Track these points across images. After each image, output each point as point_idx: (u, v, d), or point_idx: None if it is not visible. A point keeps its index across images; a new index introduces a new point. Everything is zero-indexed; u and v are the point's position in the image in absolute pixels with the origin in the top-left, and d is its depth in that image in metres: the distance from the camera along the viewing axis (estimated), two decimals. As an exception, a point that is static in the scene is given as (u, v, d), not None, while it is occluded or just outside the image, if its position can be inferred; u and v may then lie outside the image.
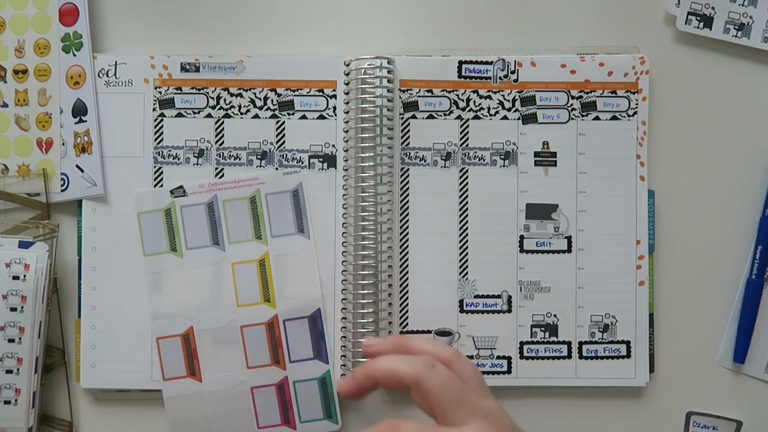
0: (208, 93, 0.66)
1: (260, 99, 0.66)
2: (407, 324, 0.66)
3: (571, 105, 0.66)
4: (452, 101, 0.66)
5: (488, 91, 0.66)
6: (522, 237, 0.66)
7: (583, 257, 0.66)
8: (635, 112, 0.66)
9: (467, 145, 0.66)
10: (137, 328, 0.66)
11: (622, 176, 0.66)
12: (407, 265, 0.66)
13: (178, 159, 0.66)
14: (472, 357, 0.66)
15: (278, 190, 0.66)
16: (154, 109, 0.66)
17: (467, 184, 0.66)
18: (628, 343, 0.66)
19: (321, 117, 0.66)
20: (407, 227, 0.66)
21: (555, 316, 0.66)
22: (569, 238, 0.66)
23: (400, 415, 0.66)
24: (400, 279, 0.66)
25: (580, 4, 0.68)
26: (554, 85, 0.66)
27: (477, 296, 0.66)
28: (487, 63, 0.66)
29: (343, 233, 0.66)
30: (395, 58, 0.66)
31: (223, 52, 0.67)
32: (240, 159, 0.66)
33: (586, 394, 0.68)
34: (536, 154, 0.66)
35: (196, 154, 0.66)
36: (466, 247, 0.66)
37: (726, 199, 0.68)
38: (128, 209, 0.66)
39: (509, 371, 0.66)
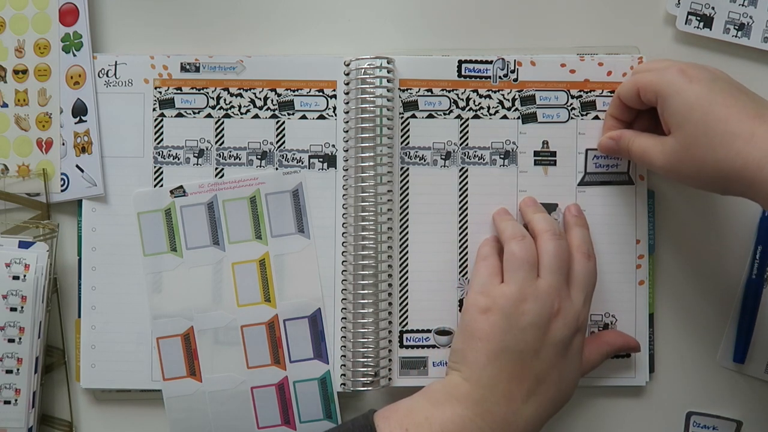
0: (208, 93, 0.66)
1: (260, 99, 0.66)
2: (407, 324, 0.66)
3: (571, 104, 0.66)
4: (452, 100, 0.66)
5: (488, 91, 0.66)
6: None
7: (583, 257, 0.66)
8: (635, 112, 0.66)
9: (467, 145, 0.66)
10: (137, 328, 0.66)
11: (622, 176, 0.66)
12: (407, 265, 0.66)
13: (178, 159, 0.66)
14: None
15: (278, 190, 0.66)
16: (154, 109, 0.66)
17: (467, 183, 0.66)
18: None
19: (321, 117, 0.66)
20: (407, 227, 0.66)
21: (555, 315, 0.66)
22: (569, 238, 0.66)
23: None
24: (400, 279, 0.66)
25: (580, 4, 0.68)
26: (554, 84, 0.66)
27: (477, 296, 0.66)
28: (486, 62, 0.66)
29: (343, 233, 0.66)
30: (395, 58, 0.66)
31: (223, 52, 0.67)
32: (240, 159, 0.66)
33: (586, 394, 0.68)
34: (536, 153, 0.66)
35: (196, 154, 0.66)
36: (466, 247, 0.66)
37: (726, 199, 0.67)
38: (128, 209, 0.66)
39: (509, 371, 0.66)
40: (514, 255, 0.59)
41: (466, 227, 0.66)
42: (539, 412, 0.58)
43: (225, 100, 0.66)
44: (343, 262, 0.66)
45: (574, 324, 0.59)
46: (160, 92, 0.66)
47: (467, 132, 0.66)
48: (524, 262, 0.59)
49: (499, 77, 0.66)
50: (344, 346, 0.66)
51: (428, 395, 0.59)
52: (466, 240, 0.66)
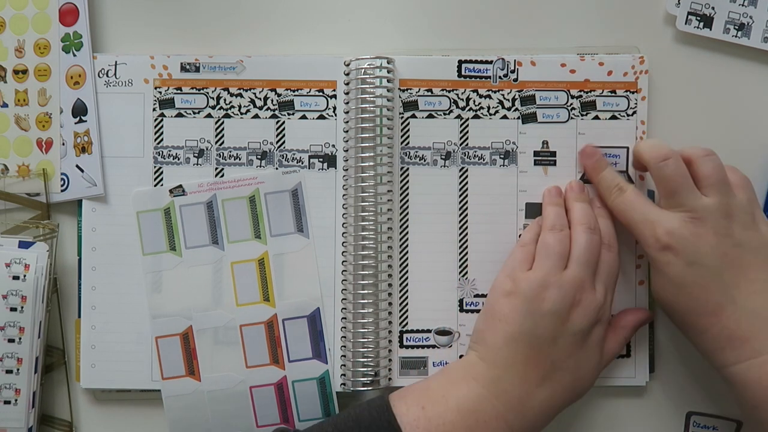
0: (208, 93, 0.66)
1: (260, 99, 0.66)
2: (407, 324, 0.66)
3: (571, 104, 0.66)
4: (452, 100, 0.66)
5: (488, 91, 0.66)
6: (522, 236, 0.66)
7: (583, 257, 0.66)
8: (634, 112, 0.66)
9: (467, 145, 0.66)
10: (137, 328, 0.66)
11: (621, 175, 0.66)
12: (407, 265, 0.66)
13: (178, 159, 0.66)
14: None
15: (277, 190, 0.66)
16: (154, 109, 0.67)
17: (467, 183, 0.66)
18: (628, 342, 0.66)
19: (321, 117, 0.66)
20: (407, 227, 0.66)
21: (555, 315, 0.66)
22: (569, 238, 0.66)
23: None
24: (400, 279, 0.66)
25: (580, 4, 0.68)
26: (554, 84, 0.66)
27: (477, 296, 0.66)
28: (486, 62, 0.66)
29: (343, 233, 0.66)
30: (395, 58, 0.66)
31: (223, 52, 0.67)
32: (240, 159, 0.66)
33: (586, 394, 0.67)
34: (536, 153, 0.66)
35: (196, 154, 0.66)
36: (466, 247, 0.66)
37: (726, 199, 0.67)
38: (128, 209, 0.66)
39: (509, 371, 0.66)
40: (547, 245, 0.61)
41: (466, 227, 0.66)
42: (554, 398, 0.59)
43: (225, 100, 0.66)
44: (343, 262, 0.66)
45: (594, 315, 0.60)
46: (160, 92, 0.66)
47: (467, 132, 0.66)
48: (554, 253, 0.60)
49: (499, 77, 0.66)
50: (344, 346, 0.66)
51: (445, 374, 0.61)
52: (466, 240, 0.66)
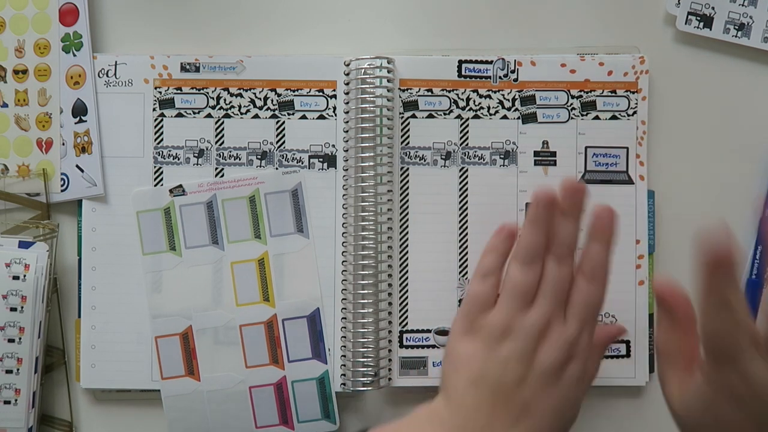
0: (208, 93, 0.66)
1: (260, 99, 0.66)
2: (407, 324, 0.66)
3: (571, 104, 0.66)
4: (452, 100, 0.66)
5: (488, 91, 0.66)
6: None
7: (583, 257, 0.66)
8: (635, 112, 0.66)
9: (467, 145, 0.66)
10: (137, 328, 0.66)
11: (621, 175, 0.66)
12: (407, 265, 0.66)
13: (178, 159, 0.66)
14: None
15: (277, 190, 0.66)
16: (154, 109, 0.67)
17: (467, 183, 0.66)
18: (627, 342, 0.66)
19: (321, 117, 0.66)
20: (407, 227, 0.66)
21: (555, 316, 0.66)
22: (569, 238, 0.66)
23: (399, 415, 0.66)
24: (400, 279, 0.66)
25: (580, 4, 0.68)
26: (554, 84, 0.66)
27: (477, 296, 0.66)
28: (487, 62, 0.66)
29: (343, 233, 0.66)
30: (395, 58, 0.66)
31: (223, 52, 0.67)
32: (240, 159, 0.66)
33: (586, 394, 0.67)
34: (536, 153, 0.66)
35: (196, 154, 0.66)
36: (466, 247, 0.66)
37: (725, 200, 0.67)
38: (128, 209, 0.66)
39: (509, 371, 0.66)
40: (514, 283, 0.55)
41: (466, 227, 0.66)
42: None
43: (225, 100, 0.66)
44: (343, 262, 0.66)
45: (565, 350, 0.54)
46: (160, 92, 0.66)
47: (467, 132, 0.66)
48: (521, 293, 0.55)
49: (499, 77, 0.66)
50: (344, 346, 0.66)
51: (413, 420, 0.56)
52: (466, 240, 0.66)
